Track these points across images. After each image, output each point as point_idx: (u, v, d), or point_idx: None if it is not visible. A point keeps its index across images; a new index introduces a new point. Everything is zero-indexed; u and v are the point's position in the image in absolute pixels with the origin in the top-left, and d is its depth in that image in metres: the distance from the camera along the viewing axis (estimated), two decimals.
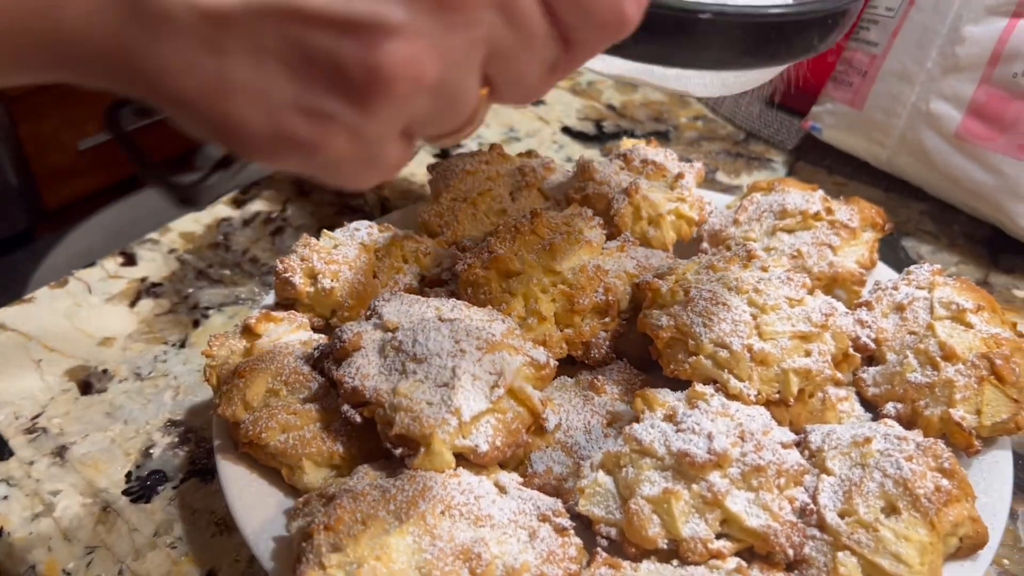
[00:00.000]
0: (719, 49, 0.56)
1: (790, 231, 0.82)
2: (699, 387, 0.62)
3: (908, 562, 0.53)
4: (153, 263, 0.99)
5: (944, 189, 1.02)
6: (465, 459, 0.61)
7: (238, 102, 0.35)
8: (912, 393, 0.67)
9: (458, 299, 0.72)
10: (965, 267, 0.97)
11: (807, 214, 0.81)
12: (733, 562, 0.55)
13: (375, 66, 0.34)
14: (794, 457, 0.59)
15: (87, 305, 0.92)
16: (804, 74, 1.20)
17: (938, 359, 0.66)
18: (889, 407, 0.68)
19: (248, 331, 0.71)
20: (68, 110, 2.13)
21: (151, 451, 0.74)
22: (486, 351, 0.63)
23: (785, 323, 0.65)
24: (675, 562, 0.56)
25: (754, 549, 0.56)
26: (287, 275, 0.77)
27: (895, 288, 0.75)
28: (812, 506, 0.57)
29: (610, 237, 0.82)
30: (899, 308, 0.72)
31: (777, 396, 0.64)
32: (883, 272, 0.83)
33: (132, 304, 0.93)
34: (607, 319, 0.73)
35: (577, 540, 0.57)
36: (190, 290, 0.94)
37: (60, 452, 0.74)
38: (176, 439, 0.76)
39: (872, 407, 0.69)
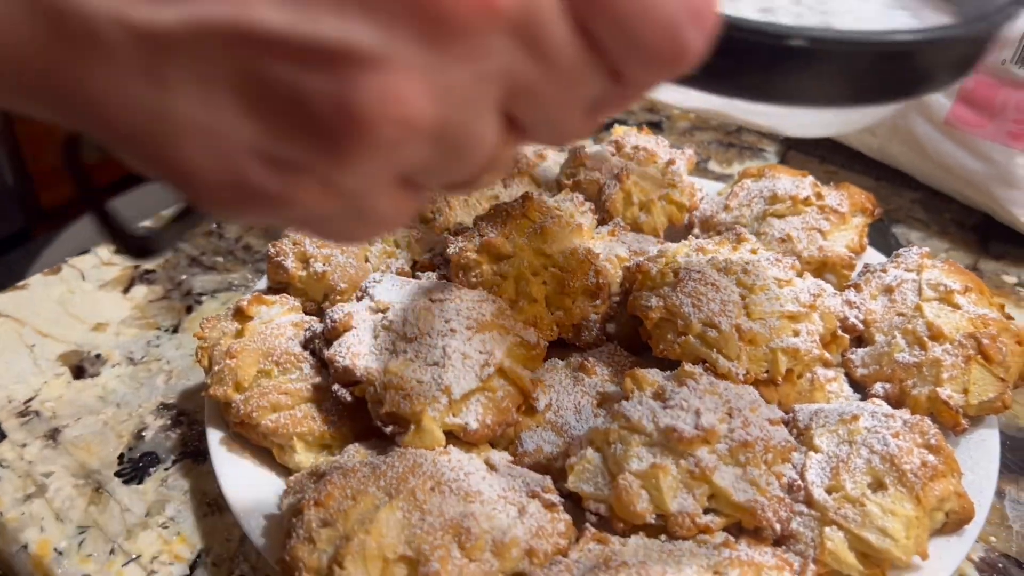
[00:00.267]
0: (821, 83, 0.42)
1: (780, 216, 0.82)
2: (688, 367, 0.63)
3: (894, 536, 0.54)
4: None
5: (934, 176, 1.03)
6: (455, 437, 0.62)
7: (187, 144, 0.29)
8: (900, 373, 0.67)
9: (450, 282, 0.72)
10: (955, 253, 0.97)
11: (797, 199, 0.82)
12: (721, 536, 0.55)
13: (348, 106, 0.27)
14: (782, 434, 0.59)
15: (80, 292, 0.93)
16: None
17: (925, 339, 0.67)
18: (877, 387, 0.68)
19: (240, 313, 0.71)
20: None
21: (143, 433, 0.75)
22: (476, 331, 0.63)
23: (773, 303, 0.66)
24: (663, 537, 0.56)
25: (742, 524, 0.56)
26: (279, 259, 0.77)
27: (884, 270, 0.75)
28: (800, 482, 0.58)
29: (601, 223, 0.82)
30: (887, 290, 0.73)
31: (766, 375, 0.65)
32: (873, 257, 0.83)
33: (125, 290, 0.93)
34: (598, 302, 0.74)
35: (566, 516, 0.57)
36: (183, 277, 0.95)
37: (53, 435, 0.75)
38: (168, 422, 0.76)
39: (861, 388, 0.70)
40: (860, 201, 0.84)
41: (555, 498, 0.58)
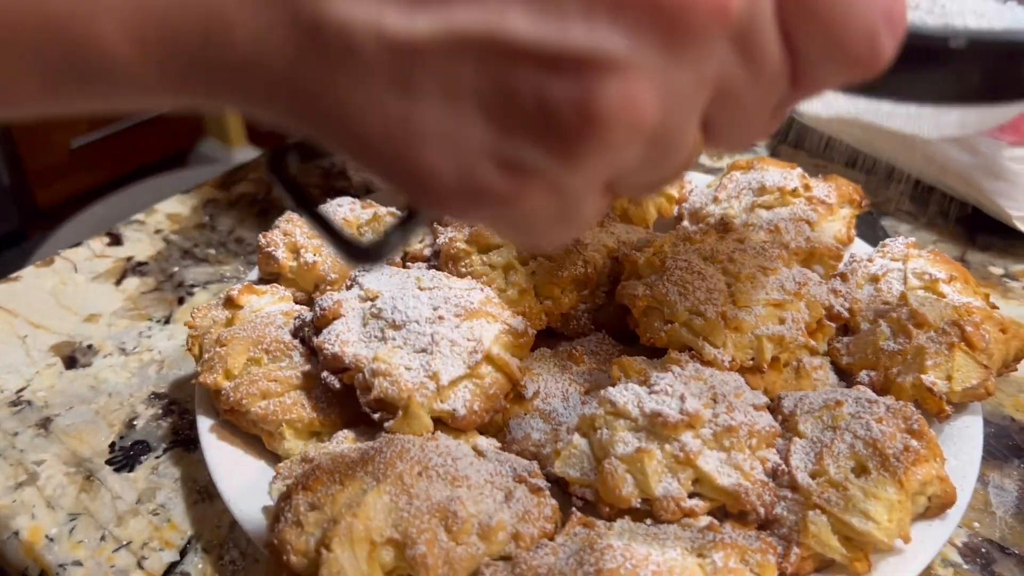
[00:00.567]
0: (971, 83, 0.43)
1: (768, 207, 0.83)
2: (674, 354, 0.63)
3: (876, 519, 0.54)
4: (139, 243, 0.99)
5: (922, 169, 1.03)
6: (443, 423, 0.62)
7: (427, 149, 0.30)
8: (885, 360, 0.68)
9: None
10: (943, 245, 0.98)
11: (785, 191, 0.82)
12: (705, 520, 0.56)
13: (590, 110, 0.28)
14: (766, 419, 0.60)
15: (73, 283, 0.93)
16: None
17: (910, 327, 0.67)
18: (863, 375, 0.69)
19: (230, 302, 0.71)
20: None
21: (135, 422, 0.75)
22: (464, 318, 0.64)
23: (759, 291, 0.66)
24: (648, 521, 0.57)
25: (726, 508, 0.57)
26: (270, 249, 0.78)
27: (870, 260, 0.76)
28: (784, 467, 0.58)
29: None
30: (873, 279, 0.73)
31: (751, 363, 0.65)
32: (861, 248, 0.84)
33: (118, 282, 0.93)
34: (586, 291, 0.74)
35: (552, 501, 0.58)
36: (175, 269, 0.95)
37: (44, 424, 0.75)
38: (160, 411, 0.76)
39: (846, 375, 0.70)
40: (848, 192, 0.85)
41: (541, 483, 0.58)
